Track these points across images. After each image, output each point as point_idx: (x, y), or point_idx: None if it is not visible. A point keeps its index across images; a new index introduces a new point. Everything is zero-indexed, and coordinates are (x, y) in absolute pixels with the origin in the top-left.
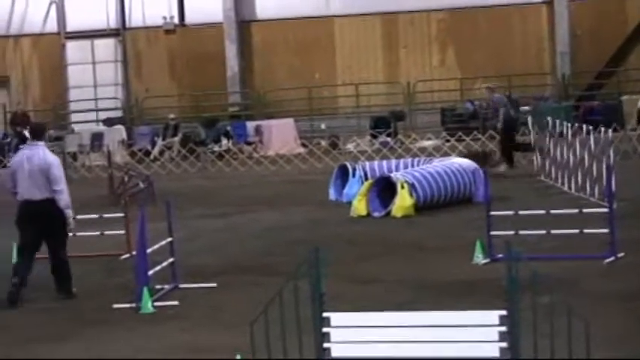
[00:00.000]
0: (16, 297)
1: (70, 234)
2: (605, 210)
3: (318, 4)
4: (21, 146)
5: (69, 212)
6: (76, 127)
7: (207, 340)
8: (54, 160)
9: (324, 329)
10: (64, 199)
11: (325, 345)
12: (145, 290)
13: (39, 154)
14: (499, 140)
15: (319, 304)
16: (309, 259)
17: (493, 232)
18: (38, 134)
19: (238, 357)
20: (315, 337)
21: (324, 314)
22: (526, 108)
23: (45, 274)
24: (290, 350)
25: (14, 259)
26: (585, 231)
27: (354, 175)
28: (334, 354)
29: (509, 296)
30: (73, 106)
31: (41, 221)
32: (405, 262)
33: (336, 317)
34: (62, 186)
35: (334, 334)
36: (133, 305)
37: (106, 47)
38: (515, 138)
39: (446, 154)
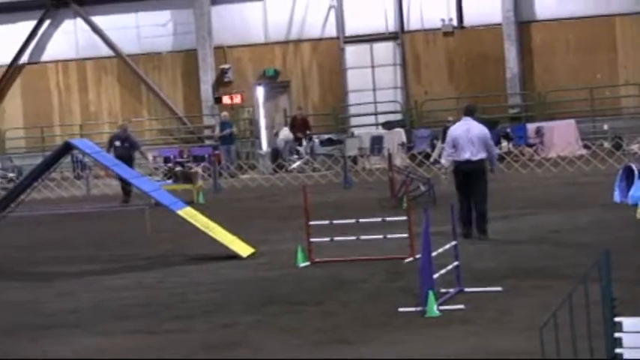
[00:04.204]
0: (470, 233)
1: (354, 237)
2: None
3: (599, 4)
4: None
5: (497, 165)
6: (356, 131)
7: (495, 344)
8: (486, 130)
9: (616, 334)
10: (495, 156)
11: (617, 350)
12: (431, 294)
13: (475, 126)
14: None
15: (610, 308)
16: (599, 263)
17: None
18: (470, 112)
19: None
20: (606, 342)
21: (616, 319)
22: None
23: (328, 279)
24: (580, 355)
25: None
26: None
27: (639, 177)
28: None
29: None
30: (352, 110)
31: (475, 175)
32: None
33: (628, 322)
34: (494, 148)
35: (626, 339)
36: (419, 309)
37: (385, 50)
38: None
39: None
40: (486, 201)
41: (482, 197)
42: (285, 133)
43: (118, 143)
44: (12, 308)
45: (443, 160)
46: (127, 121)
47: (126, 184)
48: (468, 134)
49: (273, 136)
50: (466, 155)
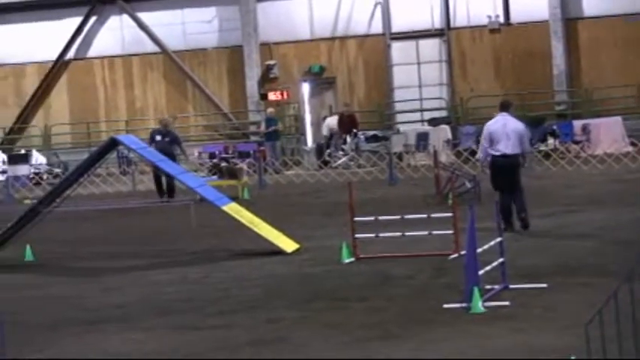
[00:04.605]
0: (511, 226)
1: (399, 233)
2: None
3: None
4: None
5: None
6: (402, 128)
7: (539, 341)
8: (522, 125)
9: None
10: (528, 151)
11: None
12: (476, 290)
13: (511, 121)
14: None
15: None
16: None
17: None
18: (506, 108)
19: (573, 358)
20: None
21: None
22: None
23: (373, 275)
24: (626, 353)
25: None
26: None
27: None
28: None
29: None
30: (398, 107)
31: (510, 169)
32: None
33: None
34: (528, 143)
35: None
36: (464, 305)
37: (431, 47)
38: None
39: None
40: (523, 192)
41: (518, 190)
42: (333, 121)
43: (158, 137)
44: (57, 303)
45: (480, 155)
46: (171, 117)
47: (170, 179)
48: (504, 129)
49: (321, 119)
50: (502, 149)
